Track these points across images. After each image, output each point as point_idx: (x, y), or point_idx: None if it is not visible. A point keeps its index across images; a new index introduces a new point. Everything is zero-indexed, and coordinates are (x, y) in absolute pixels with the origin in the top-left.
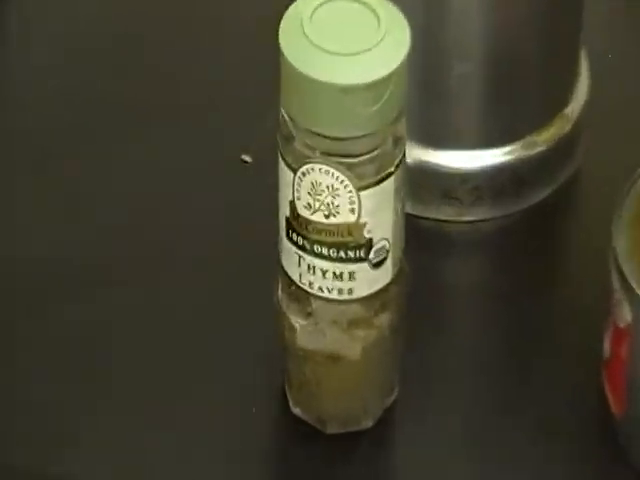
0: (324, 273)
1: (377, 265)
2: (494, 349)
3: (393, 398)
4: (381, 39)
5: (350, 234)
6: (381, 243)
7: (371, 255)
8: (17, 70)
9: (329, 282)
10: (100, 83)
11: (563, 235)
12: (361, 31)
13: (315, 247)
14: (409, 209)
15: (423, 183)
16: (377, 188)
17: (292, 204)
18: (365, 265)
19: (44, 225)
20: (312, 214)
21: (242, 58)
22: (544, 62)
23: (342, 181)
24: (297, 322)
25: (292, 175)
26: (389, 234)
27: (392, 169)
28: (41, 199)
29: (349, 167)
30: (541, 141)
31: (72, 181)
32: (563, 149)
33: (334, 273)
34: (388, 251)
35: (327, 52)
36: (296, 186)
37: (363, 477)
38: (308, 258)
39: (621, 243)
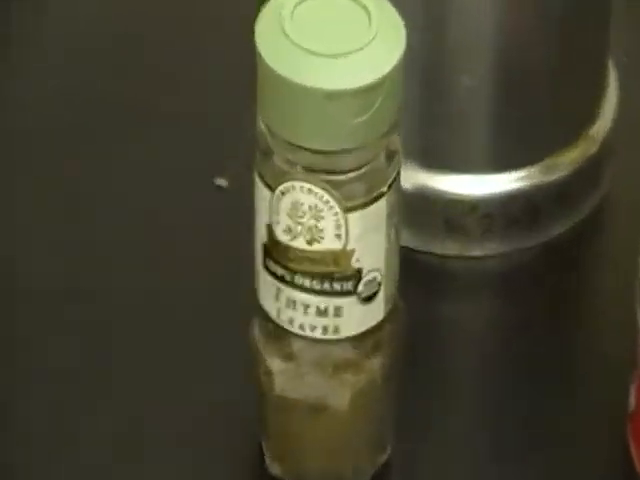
0: (306, 308)
1: (367, 300)
2: (502, 403)
3: (386, 456)
4: (372, 39)
5: (336, 263)
6: (371, 274)
7: (360, 288)
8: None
9: (312, 319)
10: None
11: (585, 274)
12: (349, 29)
13: (296, 278)
14: (407, 242)
15: (424, 211)
16: (367, 210)
17: (269, 228)
18: (353, 299)
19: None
20: (292, 240)
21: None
22: (564, 72)
23: (327, 201)
24: (275, 365)
25: (270, 194)
26: (381, 264)
27: (384, 189)
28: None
29: (335, 185)
30: (561, 164)
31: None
32: (587, 174)
33: (318, 308)
34: (380, 284)
35: (310, 53)
36: (274, 207)
37: None
38: (287, 290)
39: None
